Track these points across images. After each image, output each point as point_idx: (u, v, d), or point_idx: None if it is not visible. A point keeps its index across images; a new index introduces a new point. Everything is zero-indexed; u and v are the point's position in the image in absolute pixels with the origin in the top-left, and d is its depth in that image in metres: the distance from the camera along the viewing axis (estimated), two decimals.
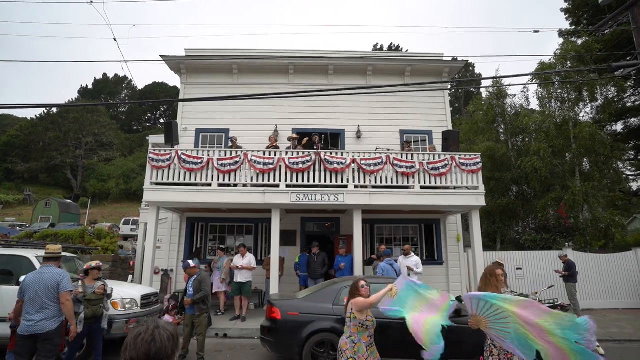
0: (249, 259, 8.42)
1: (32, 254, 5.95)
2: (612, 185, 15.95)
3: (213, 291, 8.53)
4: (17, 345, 3.93)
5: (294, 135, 9.82)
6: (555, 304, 6.83)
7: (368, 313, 3.58)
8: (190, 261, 5.98)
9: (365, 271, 8.95)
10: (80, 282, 5.19)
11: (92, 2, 8.89)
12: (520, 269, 10.70)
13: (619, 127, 20.98)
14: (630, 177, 20.57)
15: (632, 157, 19.87)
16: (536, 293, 7.59)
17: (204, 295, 5.61)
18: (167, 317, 5.66)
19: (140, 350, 1.17)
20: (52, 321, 3.94)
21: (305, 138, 9.66)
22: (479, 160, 8.74)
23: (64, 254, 5.14)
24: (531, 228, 15.93)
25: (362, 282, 3.71)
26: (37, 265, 5.69)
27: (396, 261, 8.06)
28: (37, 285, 3.96)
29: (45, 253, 4.38)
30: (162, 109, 67.52)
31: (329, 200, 8.30)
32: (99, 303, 4.98)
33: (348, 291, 5.53)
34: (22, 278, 5.32)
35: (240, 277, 8.28)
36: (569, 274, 9.27)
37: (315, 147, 9.27)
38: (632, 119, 20.32)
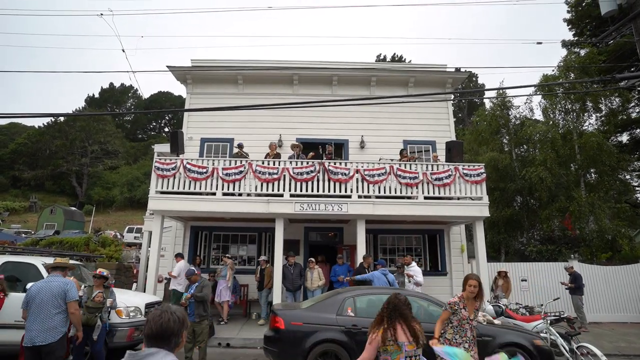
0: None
1: (39, 261, 6.00)
2: (619, 196, 15.82)
3: (220, 301, 8.71)
4: (25, 358, 3.84)
5: (297, 143, 9.87)
6: (562, 316, 6.71)
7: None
8: (194, 268, 6.08)
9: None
10: (86, 287, 5.23)
11: (102, 14, 9.13)
12: (525, 280, 10.58)
13: (624, 138, 20.90)
14: (637, 189, 20.38)
15: (638, 168, 19.70)
16: (542, 305, 7.48)
17: (204, 295, 5.62)
18: None
19: (152, 327, 1.47)
20: (54, 332, 3.82)
21: (310, 153, 9.73)
22: (482, 170, 8.74)
23: (71, 261, 5.21)
24: (536, 239, 15.78)
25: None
26: (44, 272, 5.74)
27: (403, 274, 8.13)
28: (44, 294, 3.91)
29: (54, 262, 4.47)
30: (167, 117, 68.34)
31: (333, 210, 8.32)
32: (95, 312, 4.98)
33: (351, 302, 5.56)
34: (28, 286, 5.39)
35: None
36: (575, 286, 9.17)
37: (322, 157, 9.34)
38: (637, 130, 20.23)
